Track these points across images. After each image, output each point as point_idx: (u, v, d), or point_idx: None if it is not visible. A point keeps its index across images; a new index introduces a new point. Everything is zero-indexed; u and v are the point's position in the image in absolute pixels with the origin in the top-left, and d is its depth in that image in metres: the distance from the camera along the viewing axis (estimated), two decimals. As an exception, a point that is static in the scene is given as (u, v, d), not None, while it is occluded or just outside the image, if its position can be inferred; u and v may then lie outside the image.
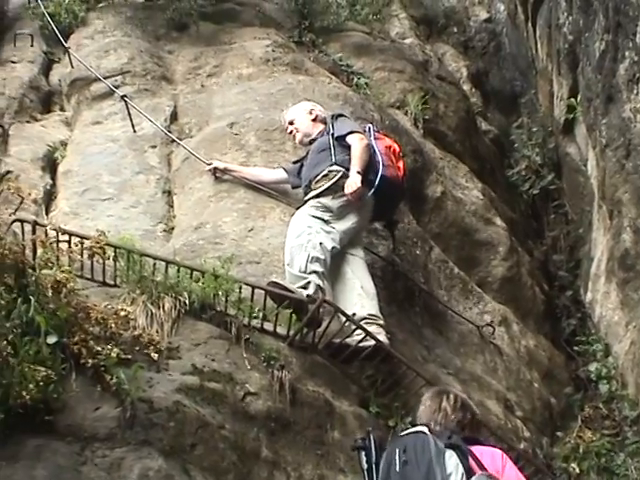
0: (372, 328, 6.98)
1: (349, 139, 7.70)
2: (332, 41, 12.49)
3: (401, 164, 8.07)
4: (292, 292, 6.79)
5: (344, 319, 6.85)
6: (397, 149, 8.17)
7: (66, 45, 11.56)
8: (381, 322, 7.18)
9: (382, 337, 7.02)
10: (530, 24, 13.70)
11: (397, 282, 8.44)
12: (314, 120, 8.33)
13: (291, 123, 8.46)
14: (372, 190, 7.47)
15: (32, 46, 11.83)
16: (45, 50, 12.01)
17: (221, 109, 9.80)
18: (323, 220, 7.31)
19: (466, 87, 14.71)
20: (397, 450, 4.50)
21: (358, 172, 7.38)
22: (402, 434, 4.88)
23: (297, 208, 7.62)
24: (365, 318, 7.05)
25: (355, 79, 11.67)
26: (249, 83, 10.37)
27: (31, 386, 5.16)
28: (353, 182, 7.32)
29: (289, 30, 12.40)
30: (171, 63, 11.38)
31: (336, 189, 7.43)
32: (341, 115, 8.27)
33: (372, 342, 6.88)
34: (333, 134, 7.87)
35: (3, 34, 12.38)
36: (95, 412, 5.43)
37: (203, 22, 12.14)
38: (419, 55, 13.34)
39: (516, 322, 9.76)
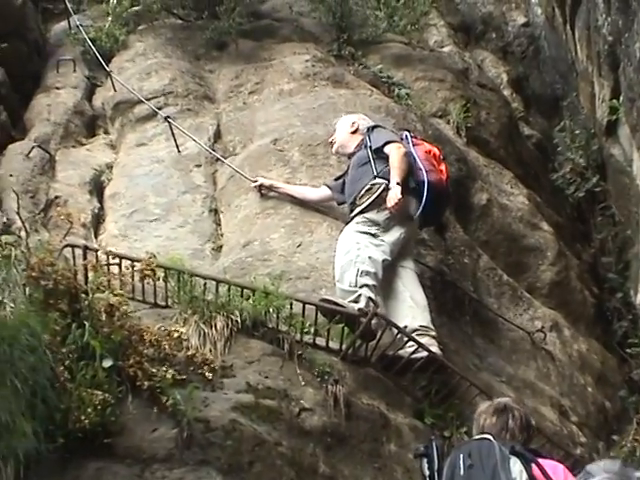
0: (424, 340, 6.98)
1: (386, 149, 7.70)
2: (371, 53, 12.48)
3: (443, 167, 8.06)
4: (343, 306, 6.80)
5: (396, 331, 6.86)
6: (437, 153, 8.17)
7: (108, 69, 11.67)
8: (433, 333, 7.18)
9: (434, 348, 7.01)
10: (568, 27, 13.60)
11: (447, 292, 8.43)
12: (354, 132, 8.29)
13: (334, 133, 8.52)
14: (422, 200, 7.47)
15: (75, 72, 11.94)
16: (88, 75, 12.12)
17: (264, 126, 9.84)
18: (371, 234, 7.31)
19: (507, 92, 14.63)
20: (461, 455, 4.53)
21: (398, 183, 7.38)
22: (466, 441, 4.90)
23: (345, 224, 7.62)
24: (416, 330, 7.05)
25: (396, 90, 11.64)
26: (291, 99, 10.40)
27: (89, 410, 5.24)
28: (394, 194, 7.32)
29: (328, 44, 12.40)
30: (212, 82, 11.44)
31: (380, 202, 7.42)
32: (377, 126, 8.26)
33: (425, 353, 6.88)
34: (371, 147, 7.84)
35: (46, 61, 12.54)
36: (153, 433, 5.49)
37: (242, 40, 12.18)
38: (459, 63, 13.31)
39: (567, 327, 9.70)
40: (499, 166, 11.31)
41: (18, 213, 7.11)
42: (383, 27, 12.93)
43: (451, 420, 6.96)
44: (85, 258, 6.55)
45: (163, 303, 6.77)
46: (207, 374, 5.98)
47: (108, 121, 11.22)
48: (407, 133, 8.31)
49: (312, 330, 6.77)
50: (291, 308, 6.64)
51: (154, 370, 5.70)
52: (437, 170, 7.87)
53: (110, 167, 10.04)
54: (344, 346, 6.77)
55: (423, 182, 7.55)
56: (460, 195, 9.81)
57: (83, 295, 5.94)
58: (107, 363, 5.57)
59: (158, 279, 6.63)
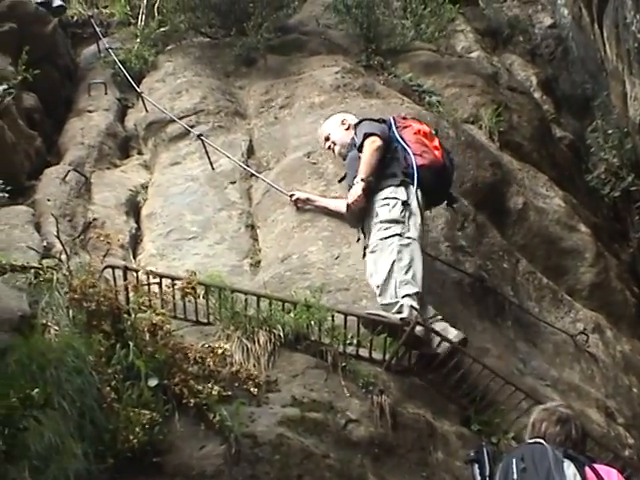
0: (441, 325, 7.03)
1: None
2: (400, 62, 12.48)
3: (437, 142, 7.95)
4: (385, 317, 6.79)
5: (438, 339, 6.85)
6: (427, 130, 8.06)
7: (139, 90, 11.75)
8: (440, 316, 7.19)
9: (455, 331, 7.02)
10: (596, 26, 13.53)
11: (487, 297, 8.40)
12: (348, 129, 8.28)
13: (327, 139, 8.46)
14: (415, 186, 7.41)
15: (106, 94, 12.04)
16: (119, 97, 12.21)
17: (297, 139, 9.86)
18: (399, 235, 7.20)
19: (537, 95, 14.59)
20: (514, 459, 4.54)
21: (362, 179, 7.39)
22: (518, 445, 4.90)
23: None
24: (430, 317, 7.08)
25: (427, 98, 11.64)
26: (322, 111, 10.39)
27: (137, 429, 5.27)
28: (354, 191, 7.39)
29: (356, 55, 12.42)
30: (243, 98, 11.48)
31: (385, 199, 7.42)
32: (361, 121, 8.16)
33: (446, 345, 6.86)
34: (356, 144, 7.83)
35: (77, 85, 12.65)
36: (201, 450, 5.51)
37: (271, 55, 12.22)
38: (488, 68, 13.29)
39: (609, 328, 9.63)
40: (533, 169, 11.27)
41: (58, 237, 7.15)
42: (411, 35, 12.93)
43: (498, 426, 6.92)
44: (126, 278, 6.58)
45: (205, 320, 6.79)
46: (252, 389, 6.00)
47: (141, 142, 11.29)
48: (392, 117, 8.19)
49: (355, 341, 6.76)
50: (333, 320, 6.64)
51: (199, 387, 5.73)
52: (430, 149, 7.77)
53: (145, 187, 10.10)
54: (387, 356, 6.75)
55: (414, 169, 7.47)
56: (495, 200, 9.81)
57: (126, 315, 6.00)
58: (153, 382, 5.61)
59: (199, 296, 6.66)
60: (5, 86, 9.63)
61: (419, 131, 7.95)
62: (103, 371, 5.50)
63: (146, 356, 5.71)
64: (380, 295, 7.04)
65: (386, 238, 7.19)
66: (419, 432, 6.46)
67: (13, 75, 10.50)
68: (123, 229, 9.12)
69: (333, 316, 6.65)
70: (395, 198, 7.35)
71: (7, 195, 8.81)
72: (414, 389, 6.81)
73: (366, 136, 7.69)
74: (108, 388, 5.43)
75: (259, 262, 8.49)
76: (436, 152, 7.80)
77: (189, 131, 10.37)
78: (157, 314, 6.05)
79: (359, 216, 7.58)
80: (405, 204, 7.32)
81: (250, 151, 10.16)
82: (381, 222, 7.30)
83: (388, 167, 7.60)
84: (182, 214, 9.18)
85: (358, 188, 7.38)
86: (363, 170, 7.46)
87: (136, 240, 9.14)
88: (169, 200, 9.49)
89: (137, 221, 9.48)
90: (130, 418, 5.32)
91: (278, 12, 12.68)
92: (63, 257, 6.75)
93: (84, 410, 5.18)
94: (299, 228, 8.47)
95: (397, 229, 7.22)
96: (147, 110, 11.39)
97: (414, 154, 7.57)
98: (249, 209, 9.24)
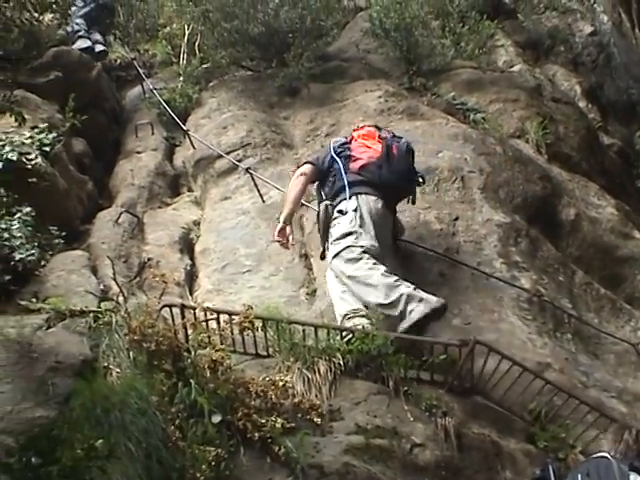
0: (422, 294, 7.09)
1: None
2: (442, 81, 12.51)
3: (377, 137, 8.18)
4: (443, 340, 6.79)
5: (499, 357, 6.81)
6: (370, 129, 8.35)
7: (185, 128, 11.88)
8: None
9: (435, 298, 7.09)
10: (637, 30, 13.49)
11: (545, 312, 8.32)
12: None
13: None
14: (348, 196, 7.67)
15: (153, 134, 12.18)
16: (166, 136, 12.35)
17: (344, 166, 9.89)
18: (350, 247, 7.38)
19: (582, 104, 14.49)
20: (579, 475, 4.51)
21: (278, 219, 8.02)
22: (583, 460, 4.85)
23: None
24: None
25: (471, 115, 11.66)
26: (367, 137, 10.44)
27: (204, 467, 5.30)
28: (276, 230, 7.85)
29: (398, 78, 12.47)
30: (288, 129, 11.55)
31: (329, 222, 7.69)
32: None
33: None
34: None
35: (124, 127, 12.81)
36: (268, 484, 5.52)
37: (313, 84, 12.31)
38: (530, 80, 13.24)
39: (671, 334, 9.51)
40: (583, 179, 11.20)
41: (114, 279, 7.20)
42: (451, 54, 12.96)
43: (564, 441, 6.84)
44: (183, 316, 6.62)
45: (264, 353, 6.81)
46: (315, 419, 6.00)
47: (190, 179, 11.39)
48: (334, 140, 8.49)
49: (415, 365, 6.73)
50: (392, 345, 6.62)
51: (263, 420, 5.74)
52: (369, 147, 8.06)
53: (197, 224, 10.18)
54: (449, 377, 6.73)
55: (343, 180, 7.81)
56: (547, 213, 9.75)
57: (185, 353, 6.02)
58: (216, 418, 5.63)
59: (257, 330, 6.68)
60: (54, 134, 9.75)
61: (360, 136, 8.24)
62: (167, 410, 5.53)
63: (208, 393, 5.74)
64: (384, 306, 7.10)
65: (351, 261, 7.33)
66: (485, 452, 6.41)
67: (62, 122, 10.66)
68: (178, 267, 9.18)
69: (392, 341, 6.63)
70: (340, 211, 7.65)
71: (62, 241, 8.91)
72: (477, 409, 6.77)
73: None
74: (172, 427, 5.46)
75: (315, 291, 8.50)
76: (375, 146, 8.07)
77: (237, 165, 10.46)
78: (217, 350, 6.07)
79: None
80: (355, 211, 7.58)
81: (299, 180, 10.19)
82: (334, 240, 7.55)
83: (330, 183, 7.96)
84: (236, 248, 9.22)
85: (277, 227, 7.89)
86: (283, 209, 8.04)
87: (192, 277, 9.20)
88: (222, 235, 9.55)
89: (191, 258, 9.55)
90: (196, 456, 5.35)
91: (317, 41, 12.77)
92: (121, 299, 6.79)
93: (150, 451, 5.21)
94: (352, 255, 8.47)
95: (348, 242, 7.42)
96: (194, 147, 11.50)
97: (355, 159, 7.95)
98: (302, 239, 9.25)
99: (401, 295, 6.98)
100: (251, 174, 9.90)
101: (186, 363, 5.93)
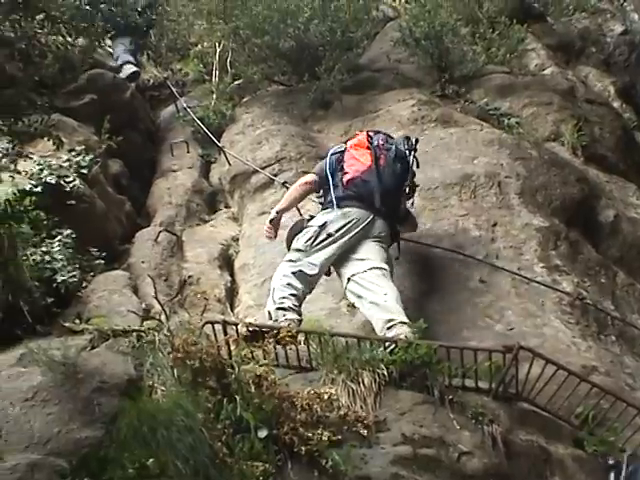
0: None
1: None
2: (475, 88, 12.49)
3: (365, 147, 8.20)
4: (481, 346, 6.76)
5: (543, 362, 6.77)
6: (361, 139, 8.34)
7: (220, 145, 11.95)
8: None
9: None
10: (669, 27, 13.40)
11: (588, 315, 8.27)
12: None
13: None
14: (334, 207, 7.85)
15: (188, 152, 12.24)
16: (201, 153, 12.41)
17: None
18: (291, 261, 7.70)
19: (616, 104, 14.38)
20: None
21: (277, 211, 8.26)
22: None
23: None
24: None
25: (505, 120, 11.64)
26: (402, 146, 10.44)
27: (252, 482, 5.29)
28: (267, 220, 8.28)
29: (430, 86, 12.46)
30: (323, 141, 11.55)
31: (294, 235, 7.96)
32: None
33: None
34: None
35: (160, 146, 12.89)
36: (318, 496, 5.52)
37: (346, 95, 12.33)
38: (563, 83, 13.17)
39: None
40: (621, 180, 11.14)
41: (156, 298, 7.25)
42: (482, 60, 12.90)
43: (613, 445, 6.78)
44: (226, 333, 6.63)
45: (308, 366, 6.80)
46: (362, 431, 5.98)
47: (227, 195, 11.43)
48: (331, 149, 8.60)
49: (460, 373, 6.71)
50: (435, 354, 6.60)
51: (309, 434, 5.73)
52: (358, 159, 8.11)
53: (236, 239, 10.22)
54: (493, 384, 6.69)
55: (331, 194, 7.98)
56: (586, 215, 9.70)
57: (229, 369, 6.03)
58: (262, 433, 5.63)
59: (300, 343, 6.69)
60: (91, 156, 9.83)
61: (352, 145, 8.30)
62: (213, 427, 5.54)
63: (253, 408, 5.74)
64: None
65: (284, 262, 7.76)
66: (534, 459, 6.38)
67: (98, 144, 10.74)
68: (218, 283, 9.21)
69: (435, 350, 6.61)
70: (312, 225, 7.85)
71: (103, 261, 8.97)
72: (524, 415, 6.73)
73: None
74: (219, 443, 5.46)
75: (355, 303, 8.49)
76: (363, 158, 8.10)
77: (273, 180, 10.50)
78: (260, 365, 6.08)
79: None
80: (322, 227, 7.73)
81: (336, 193, 10.21)
82: (292, 249, 7.86)
83: (326, 197, 8.10)
84: (275, 263, 9.17)
85: (267, 220, 8.30)
86: (280, 204, 8.39)
87: (232, 293, 9.23)
88: (260, 250, 9.56)
89: (231, 274, 9.58)
90: (244, 471, 5.35)
91: (348, 53, 12.77)
92: (163, 318, 6.83)
93: (198, 468, 5.22)
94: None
95: (293, 256, 7.72)
96: (230, 163, 11.54)
97: (345, 172, 8.04)
98: (341, 251, 9.25)
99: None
100: (287, 188, 9.89)
101: (230, 379, 5.93)
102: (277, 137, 11.44)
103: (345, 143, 8.49)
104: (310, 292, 7.64)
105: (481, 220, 8.86)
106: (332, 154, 8.31)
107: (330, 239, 7.65)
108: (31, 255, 7.78)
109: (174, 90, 13.86)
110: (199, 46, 14.92)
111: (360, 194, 7.86)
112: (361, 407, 6.20)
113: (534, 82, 12.79)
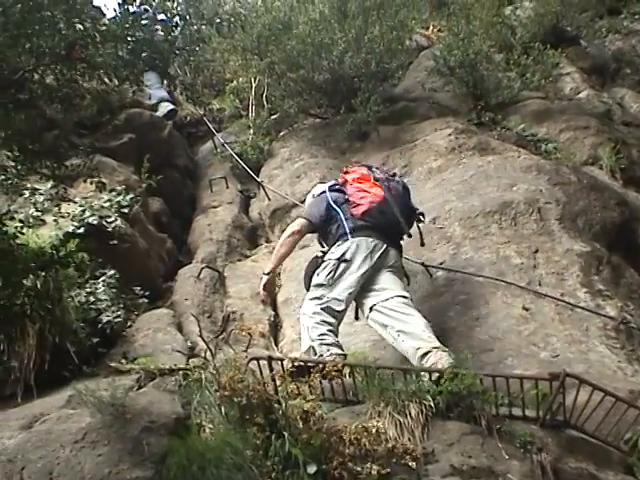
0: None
1: None
2: (511, 114, 12.51)
3: (372, 180, 8.26)
4: (531, 375, 6.73)
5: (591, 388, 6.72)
6: (364, 172, 8.40)
7: (259, 180, 12.01)
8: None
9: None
10: (703, 44, 13.34)
11: (632, 339, 8.19)
12: None
13: None
14: (349, 237, 7.83)
15: (227, 188, 12.35)
16: (240, 189, 12.53)
17: (420, 206, 9.83)
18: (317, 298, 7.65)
19: (654, 125, 14.35)
20: None
21: (264, 273, 8.23)
22: None
23: None
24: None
25: (543, 146, 11.65)
26: (441, 175, 10.46)
27: (303, 518, 5.29)
28: (261, 284, 8.17)
29: (467, 114, 12.49)
30: (361, 173, 11.59)
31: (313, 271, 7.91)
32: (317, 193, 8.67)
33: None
34: None
35: (198, 182, 13.00)
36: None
37: (382, 126, 12.38)
38: (599, 106, 13.17)
39: None
40: (661, 202, 11.08)
41: (201, 336, 7.28)
42: (517, 86, 12.93)
43: (665, 468, 6.73)
44: (271, 368, 6.65)
45: (355, 399, 6.80)
46: (410, 463, 5.95)
47: (268, 229, 11.49)
48: (329, 184, 8.57)
49: (506, 401, 6.68)
50: (481, 383, 6.58)
51: (358, 468, 5.72)
52: (367, 191, 8.14)
53: (278, 274, 10.22)
54: (541, 412, 6.66)
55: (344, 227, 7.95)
56: (627, 238, 9.64)
57: (276, 405, 6.04)
58: (312, 469, 5.62)
59: (345, 376, 6.69)
60: (132, 195, 9.92)
61: (354, 179, 8.31)
62: (262, 464, 5.55)
63: (302, 443, 5.74)
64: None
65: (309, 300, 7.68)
66: (584, 486, 6.34)
67: (138, 183, 10.87)
68: (262, 318, 9.25)
69: (481, 379, 6.59)
70: (329, 259, 7.79)
71: (146, 300, 9.05)
72: (573, 442, 6.66)
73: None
74: (269, 480, 5.48)
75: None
76: (374, 190, 8.13)
77: (313, 213, 10.52)
78: (307, 400, 6.08)
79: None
80: (340, 260, 7.71)
81: (377, 223, 10.25)
82: (313, 285, 7.79)
83: (332, 232, 8.05)
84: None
85: (261, 282, 8.17)
86: (270, 262, 8.37)
87: (276, 327, 9.25)
88: (302, 284, 9.55)
89: (274, 308, 9.60)
90: (294, 507, 5.37)
91: (383, 83, 12.84)
92: (208, 355, 6.86)
93: (249, 505, 5.25)
94: (434, 295, 8.47)
95: (317, 293, 7.64)
96: (269, 198, 11.61)
97: (355, 204, 8.03)
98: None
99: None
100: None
101: (278, 415, 5.94)
102: (315, 170, 11.50)
103: (341, 178, 8.51)
104: (339, 326, 7.64)
105: (522, 247, 8.83)
106: (330, 190, 8.36)
107: (350, 269, 7.67)
108: (76, 296, 7.87)
109: (211, 126, 13.99)
110: (235, 82, 15.06)
111: (376, 224, 7.90)
112: (409, 439, 6.17)
113: (570, 106, 12.78)
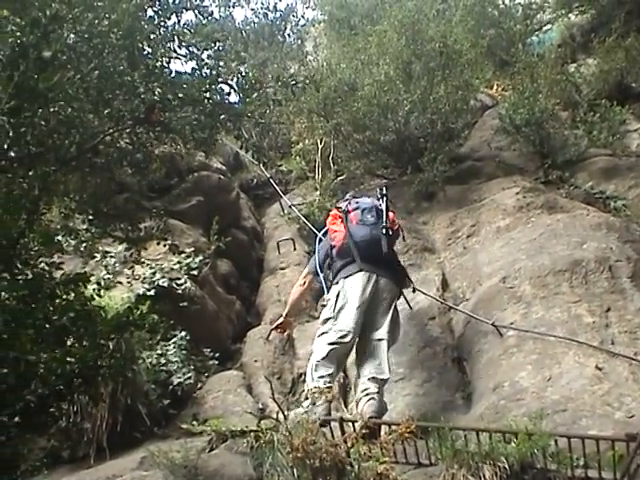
0: None
1: None
2: (579, 172, 12.44)
3: (337, 217, 9.02)
4: (607, 435, 6.62)
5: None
6: (334, 213, 9.15)
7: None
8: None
9: None
10: None
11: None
12: None
13: None
14: (339, 279, 8.50)
15: (295, 249, 12.36)
16: (308, 250, 12.51)
17: (489, 266, 9.86)
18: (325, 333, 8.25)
19: None
20: None
21: (285, 315, 9.46)
22: None
23: None
24: None
25: (612, 203, 11.55)
26: (509, 234, 10.42)
27: None
28: (277, 322, 9.51)
29: (534, 172, 12.46)
30: (429, 233, 11.61)
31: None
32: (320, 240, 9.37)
33: None
34: None
35: (266, 244, 13.07)
36: None
37: (449, 186, 12.39)
38: (669, 162, 13.06)
39: None
40: None
41: (273, 398, 7.27)
42: (584, 144, 12.86)
43: None
44: (343, 431, 6.62)
45: (427, 461, 6.75)
46: (485, 526, 5.91)
47: (336, 289, 11.48)
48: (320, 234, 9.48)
49: (582, 463, 6.56)
50: (556, 445, 6.49)
51: (433, 531, 5.69)
52: (338, 231, 8.84)
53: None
54: (618, 474, 6.53)
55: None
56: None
57: (349, 467, 6.01)
58: (386, 531, 5.60)
59: (417, 438, 6.64)
60: (201, 257, 10.02)
61: (330, 223, 9.15)
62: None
63: (376, 505, 5.72)
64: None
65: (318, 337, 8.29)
66: None
67: (206, 245, 10.95)
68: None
69: (556, 440, 6.50)
70: (329, 299, 8.50)
71: (216, 361, 9.09)
72: (652, 505, 6.55)
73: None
74: None
75: (470, 395, 8.43)
76: (339, 227, 8.89)
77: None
78: (380, 462, 6.04)
79: None
80: (338, 296, 8.36)
81: (444, 284, 10.26)
82: (321, 321, 8.47)
83: (330, 274, 8.77)
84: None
85: (277, 322, 9.50)
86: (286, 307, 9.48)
87: (346, 388, 9.21)
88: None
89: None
90: None
91: (449, 143, 12.84)
92: (280, 416, 6.85)
93: None
94: (505, 355, 8.39)
95: (325, 328, 8.25)
96: (336, 259, 11.64)
97: (334, 247, 8.77)
98: (452, 342, 9.23)
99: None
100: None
101: (350, 478, 5.92)
102: (382, 231, 11.49)
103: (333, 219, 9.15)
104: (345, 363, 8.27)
105: (594, 306, 8.72)
106: (319, 240, 9.23)
107: (348, 299, 8.28)
108: (147, 358, 7.94)
109: (278, 188, 14.07)
110: (300, 144, 15.13)
111: (350, 260, 8.52)
112: (484, 501, 6.12)
113: (638, 163, 12.67)
